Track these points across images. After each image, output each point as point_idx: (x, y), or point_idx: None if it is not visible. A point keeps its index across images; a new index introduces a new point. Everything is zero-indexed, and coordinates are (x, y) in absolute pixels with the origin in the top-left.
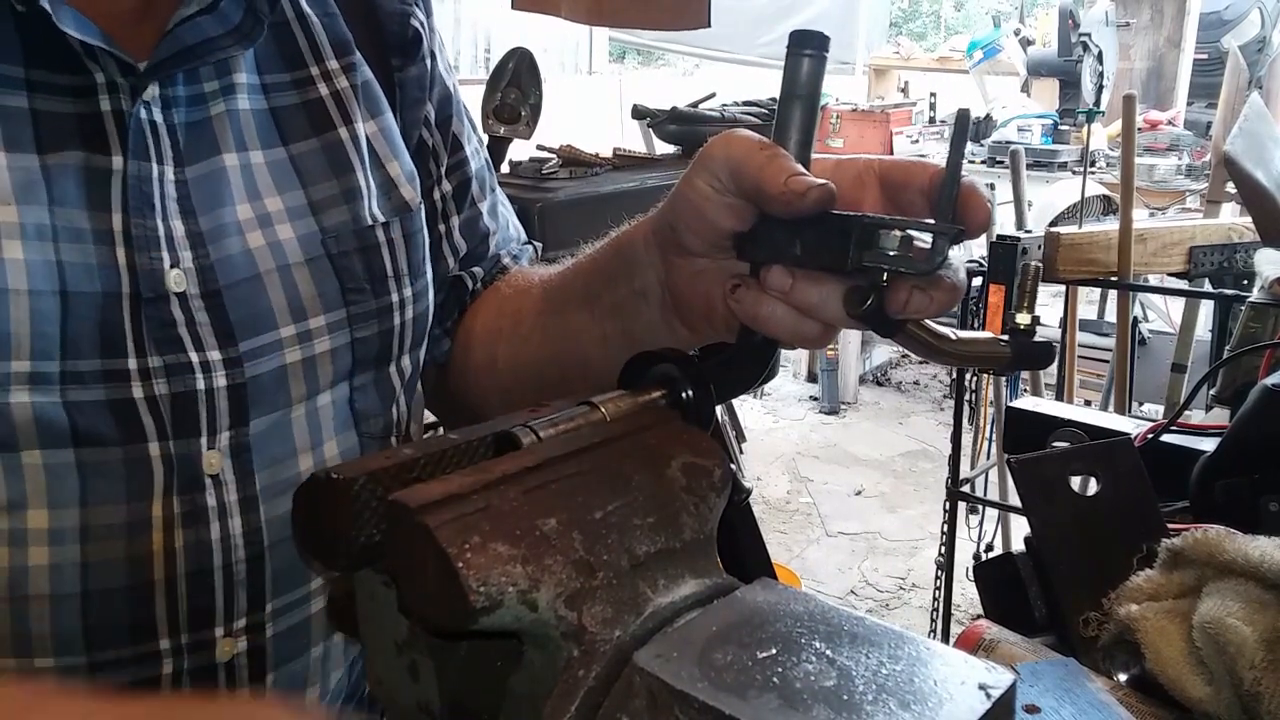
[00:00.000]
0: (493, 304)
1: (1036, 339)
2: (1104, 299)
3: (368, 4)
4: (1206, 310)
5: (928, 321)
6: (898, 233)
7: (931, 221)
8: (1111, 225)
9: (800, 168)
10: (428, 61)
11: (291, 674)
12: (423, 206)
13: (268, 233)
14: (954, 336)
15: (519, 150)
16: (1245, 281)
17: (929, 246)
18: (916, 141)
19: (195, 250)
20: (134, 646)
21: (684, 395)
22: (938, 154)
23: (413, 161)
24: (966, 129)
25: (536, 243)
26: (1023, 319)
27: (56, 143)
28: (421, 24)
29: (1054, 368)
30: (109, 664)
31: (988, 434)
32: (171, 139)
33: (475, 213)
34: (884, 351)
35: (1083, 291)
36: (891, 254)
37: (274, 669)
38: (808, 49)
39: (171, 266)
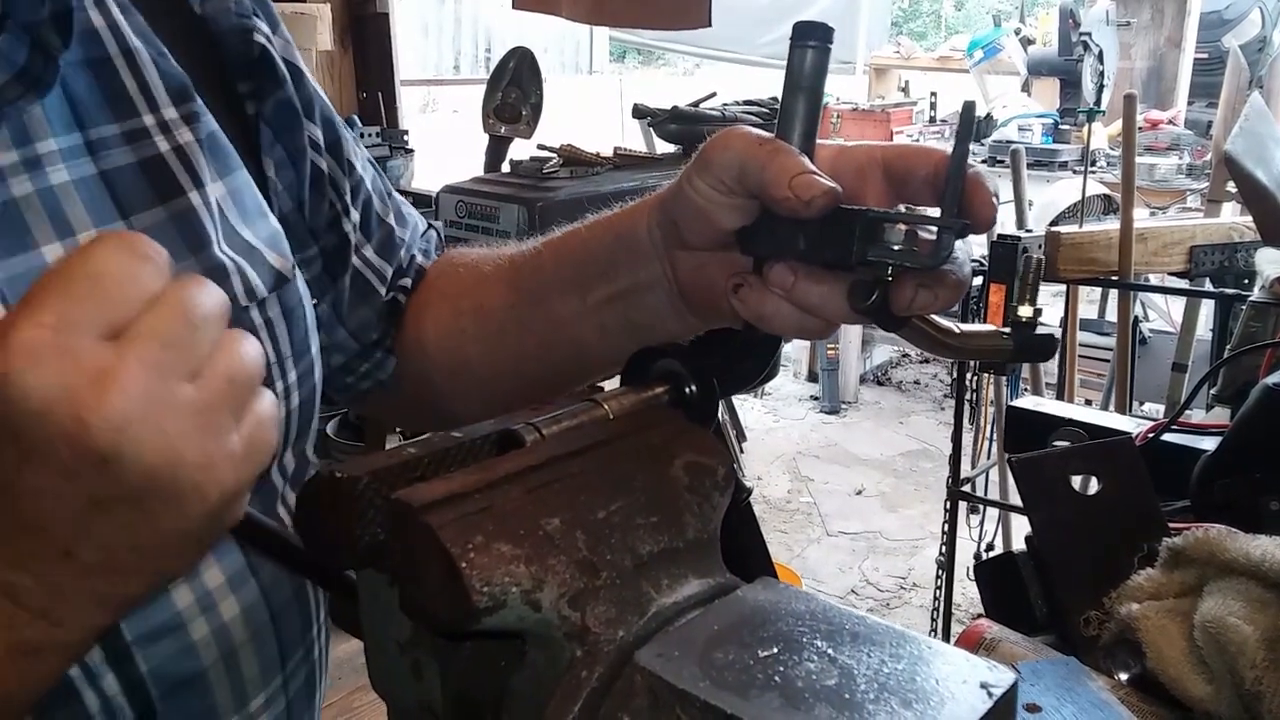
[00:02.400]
0: (442, 304)
1: (1038, 331)
2: (1104, 298)
3: (196, 24)
4: (1207, 310)
5: (931, 315)
6: (902, 227)
7: (936, 216)
8: (1112, 225)
9: (804, 163)
10: (289, 82)
11: None
12: (298, 273)
13: None
14: (958, 330)
15: (519, 149)
16: (1246, 281)
17: (934, 240)
18: (916, 141)
19: None
20: None
21: (687, 391)
22: None
23: (313, 190)
24: (972, 122)
25: (435, 224)
26: (1025, 311)
27: None
28: (266, 37)
29: (1055, 367)
30: None
31: (988, 433)
32: None
33: (386, 229)
34: (884, 351)
35: (1083, 291)
36: (896, 249)
37: None
38: (811, 40)
39: None
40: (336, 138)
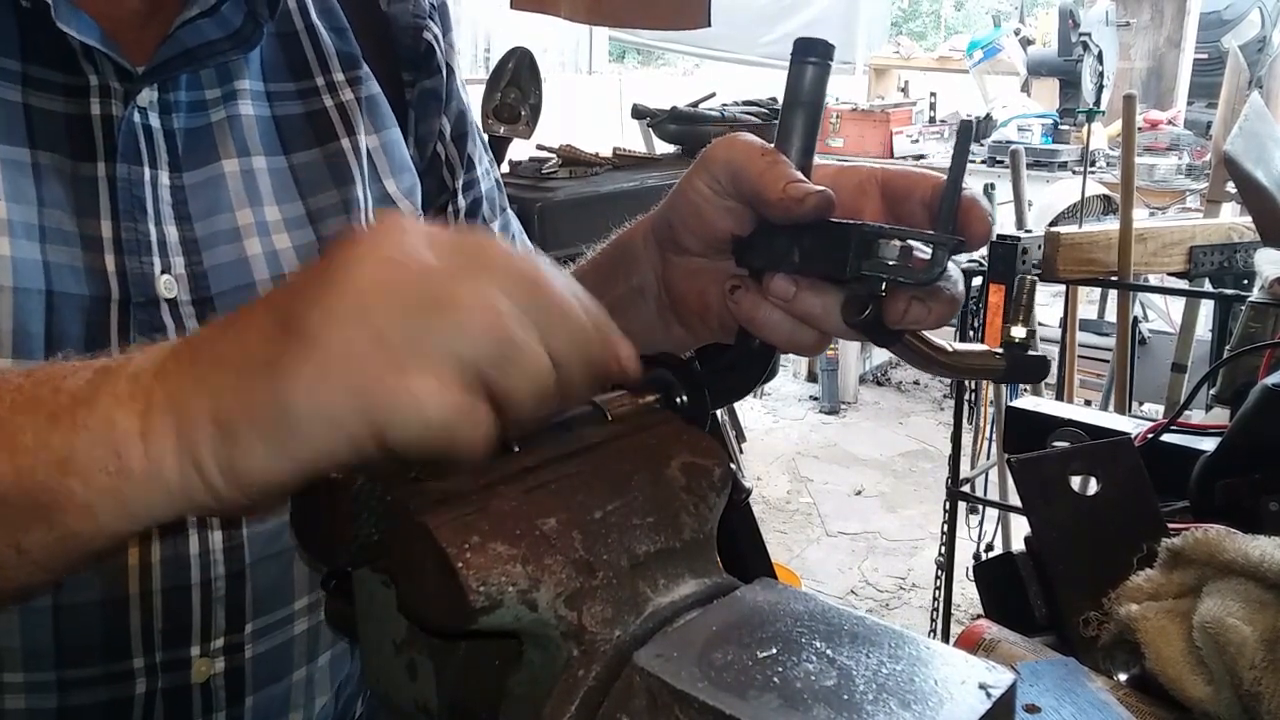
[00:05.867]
0: None
1: (1031, 352)
2: (1104, 299)
3: (380, 19)
4: (1207, 310)
5: (925, 332)
6: (897, 242)
7: (931, 232)
8: (1112, 225)
9: (800, 175)
10: (443, 74)
11: (271, 698)
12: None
13: (264, 241)
14: (950, 348)
15: (519, 150)
16: (1245, 281)
17: (928, 257)
18: (916, 141)
19: (188, 256)
20: (106, 664)
21: (679, 400)
22: (937, 154)
23: (427, 175)
24: (969, 140)
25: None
26: (1018, 332)
27: (46, 142)
28: (436, 38)
29: (1054, 367)
30: (80, 681)
31: (988, 434)
32: (169, 144)
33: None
34: (884, 351)
35: (1083, 291)
36: (890, 263)
37: (253, 692)
38: (811, 57)
39: (163, 272)
40: (463, 133)
